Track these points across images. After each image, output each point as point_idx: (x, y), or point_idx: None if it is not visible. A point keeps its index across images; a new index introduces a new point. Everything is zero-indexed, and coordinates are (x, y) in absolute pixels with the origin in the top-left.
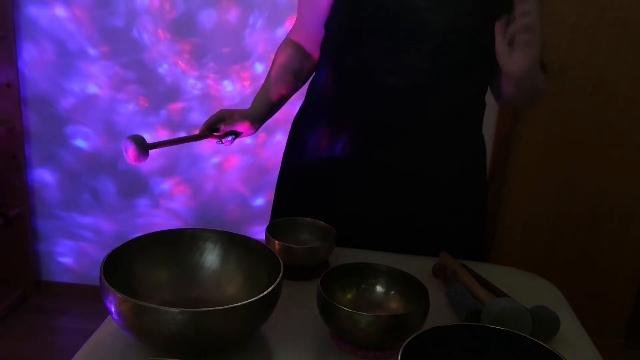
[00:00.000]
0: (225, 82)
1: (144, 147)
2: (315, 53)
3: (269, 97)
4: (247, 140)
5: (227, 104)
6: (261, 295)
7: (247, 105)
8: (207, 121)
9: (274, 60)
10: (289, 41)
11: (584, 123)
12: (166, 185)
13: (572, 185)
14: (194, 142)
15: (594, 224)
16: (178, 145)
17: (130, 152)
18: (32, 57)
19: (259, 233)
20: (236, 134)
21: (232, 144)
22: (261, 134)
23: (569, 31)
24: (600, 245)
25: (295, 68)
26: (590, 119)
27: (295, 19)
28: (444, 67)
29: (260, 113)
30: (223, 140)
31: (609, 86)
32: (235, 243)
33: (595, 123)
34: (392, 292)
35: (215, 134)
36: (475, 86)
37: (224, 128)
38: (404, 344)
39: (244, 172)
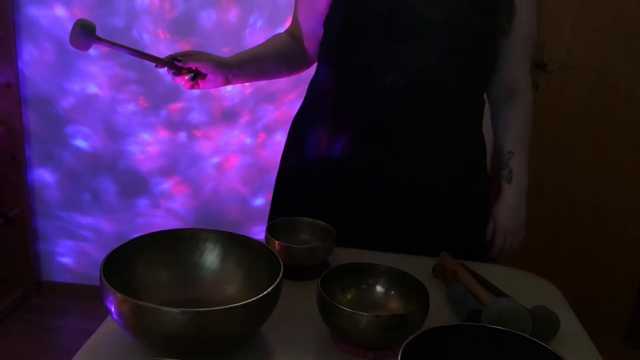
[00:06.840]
0: None
1: (90, 32)
2: (309, 53)
3: (252, 60)
4: (247, 140)
5: (227, 104)
6: (261, 295)
7: (248, 105)
8: (175, 53)
9: (272, 40)
10: (290, 32)
11: (584, 122)
12: (166, 185)
13: (572, 185)
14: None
15: (594, 224)
16: (149, 61)
17: (75, 35)
18: (32, 57)
19: (259, 233)
20: (196, 75)
21: (192, 88)
22: (261, 133)
23: (569, 31)
24: (600, 245)
25: (289, 55)
26: (590, 118)
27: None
28: (442, 64)
29: (231, 63)
30: (182, 77)
31: (608, 86)
32: (235, 243)
33: (595, 122)
34: (392, 292)
35: (177, 64)
36: (474, 83)
37: (188, 64)
38: (404, 344)
39: (244, 172)
